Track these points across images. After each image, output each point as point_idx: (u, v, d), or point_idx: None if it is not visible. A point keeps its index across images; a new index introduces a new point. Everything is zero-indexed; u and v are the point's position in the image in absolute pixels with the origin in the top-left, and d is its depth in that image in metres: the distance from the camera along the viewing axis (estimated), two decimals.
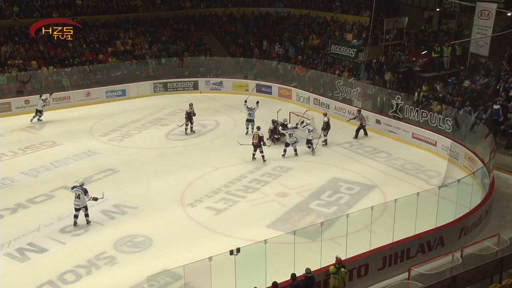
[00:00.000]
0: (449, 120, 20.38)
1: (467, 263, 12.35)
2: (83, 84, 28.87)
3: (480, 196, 15.77)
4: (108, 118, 25.70)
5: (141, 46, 32.22)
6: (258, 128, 20.08)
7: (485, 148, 17.88)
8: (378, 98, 23.63)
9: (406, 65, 25.96)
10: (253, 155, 19.92)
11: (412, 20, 29.33)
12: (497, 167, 18.28)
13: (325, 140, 21.51)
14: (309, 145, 20.59)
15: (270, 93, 29.27)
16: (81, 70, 29.20)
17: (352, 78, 26.43)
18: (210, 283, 11.01)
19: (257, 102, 22.99)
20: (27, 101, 26.41)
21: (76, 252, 13.92)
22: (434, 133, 20.66)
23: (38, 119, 24.78)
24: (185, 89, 30.36)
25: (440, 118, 20.74)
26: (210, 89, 30.41)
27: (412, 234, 13.25)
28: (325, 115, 22.06)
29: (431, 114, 21.14)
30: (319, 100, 26.31)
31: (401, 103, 22.38)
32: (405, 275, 12.37)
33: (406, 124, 21.92)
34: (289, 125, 21.23)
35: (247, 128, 22.82)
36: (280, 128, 21.06)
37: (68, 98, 27.70)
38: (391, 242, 12.98)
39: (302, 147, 21.04)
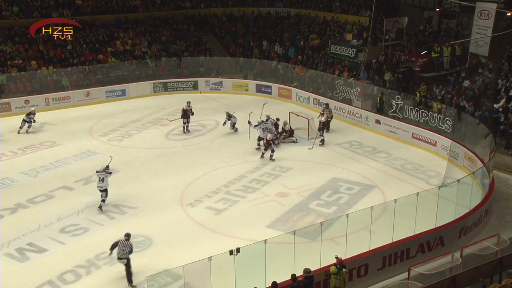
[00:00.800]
0: (449, 120, 20.38)
1: (467, 263, 12.35)
2: (83, 84, 28.85)
3: (479, 196, 15.77)
4: (108, 118, 25.69)
5: (141, 46, 32.22)
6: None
7: (484, 148, 17.89)
8: (378, 98, 23.63)
9: (406, 65, 25.94)
10: (262, 153, 20.11)
11: (412, 20, 29.33)
12: (497, 167, 18.28)
13: (322, 140, 21.49)
14: (259, 142, 20.71)
15: (270, 93, 29.26)
16: (80, 70, 29.20)
17: (352, 78, 26.43)
18: (210, 283, 11.01)
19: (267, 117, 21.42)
20: (26, 101, 26.36)
21: (76, 252, 13.92)
22: (434, 133, 20.67)
23: (27, 131, 23.15)
24: (185, 89, 30.36)
25: (440, 118, 20.74)
26: (210, 89, 30.42)
27: (412, 234, 13.26)
28: (321, 114, 22.04)
29: (431, 114, 21.15)
30: (319, 100, 26.31)
31: (401, 103, 22.39)
32: (405, 275, 12.37)
33: (406, 124, 21.92)
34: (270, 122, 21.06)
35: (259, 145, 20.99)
36: (248, 121, 21.12)
37: (68, 98, 27.70)
38: (391, 242, 12.99)
39: (302, 147, 21.05)
